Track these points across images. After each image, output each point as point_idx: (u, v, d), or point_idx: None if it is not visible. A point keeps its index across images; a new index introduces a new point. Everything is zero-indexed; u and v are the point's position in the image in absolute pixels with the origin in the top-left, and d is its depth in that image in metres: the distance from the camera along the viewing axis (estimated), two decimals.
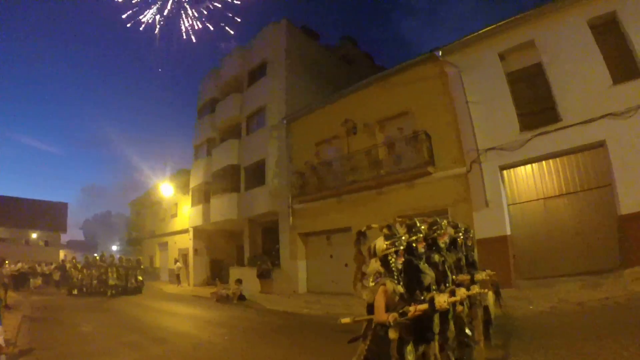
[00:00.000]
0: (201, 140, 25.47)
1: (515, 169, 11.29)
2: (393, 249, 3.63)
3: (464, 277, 4.93)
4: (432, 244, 4.47)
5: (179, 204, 27.47)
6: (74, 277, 19.82)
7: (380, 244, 3.74)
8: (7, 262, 17.05)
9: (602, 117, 9.65)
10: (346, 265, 14.59)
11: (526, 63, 11.39)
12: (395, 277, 3.55)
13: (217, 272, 23.52)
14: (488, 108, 11.48)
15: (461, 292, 3.82)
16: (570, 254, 10.05)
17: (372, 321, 3.51)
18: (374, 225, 4.35)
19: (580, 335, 5.64)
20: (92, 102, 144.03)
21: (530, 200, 10.91)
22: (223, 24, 49.41)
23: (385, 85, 14.16)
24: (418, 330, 3.45)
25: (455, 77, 12.11)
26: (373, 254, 3.77)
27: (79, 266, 20.32)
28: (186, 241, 25.31)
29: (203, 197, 23.08)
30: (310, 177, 15.45)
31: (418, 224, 4.18)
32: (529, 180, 11.15)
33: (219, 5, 36.29)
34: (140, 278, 20.12)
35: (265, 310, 12.60)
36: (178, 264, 24.75)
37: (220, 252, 24.42)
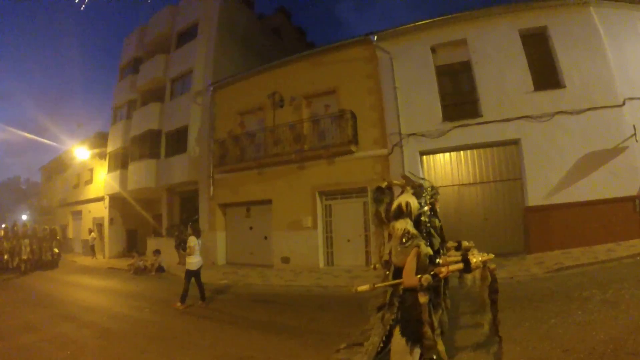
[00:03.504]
0: (121, 101, 23.56)
1: (435, 155, 12.06)
2: (427, 208, 3.42)
3: (452, 243, 4.73)
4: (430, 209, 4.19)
5: (94, 170, 25.37)
6: None
7: (414, 202, 3.43)
8: None
9: (520, 118, 10.77)
10: (265, 237, 14.51)
11: (455, 59, 12.17)
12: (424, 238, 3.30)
13: (134, 244, 22.44)
14: (414, 96, 12.06)
15: (480, 256, 3.68)
16: (478, 238, 10.76)
17: (397, 287, 3.27)
18: (395, 182, 4.27)
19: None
20: None
21: (445, 186, 11.55)
22: None
23: (315, 62, 14.10)
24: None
25: (386, 62, 12.49)
26: (404, 213, 3.36)
27: None
28: (101, 210, 23.57)
29: (120, 162, 21.50)
30: (233, 148, 14.95)
31: (428, 186, 4.04)
32: (446, 167, 11.94)
33: None
34: (56, 250, 18.46)
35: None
36: (93, 234, 22.96)
37: (137, 222, 22.96)
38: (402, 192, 3.77)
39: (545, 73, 11.10)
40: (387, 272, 3.87)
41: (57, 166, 31.75)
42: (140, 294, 10.59)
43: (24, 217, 58.82)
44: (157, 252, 15.28)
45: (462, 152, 11.68)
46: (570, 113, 10.46)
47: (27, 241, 17.01)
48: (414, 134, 11.79)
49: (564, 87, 10.73)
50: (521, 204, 10.74)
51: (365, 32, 12.99)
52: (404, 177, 4.11)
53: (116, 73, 25.77)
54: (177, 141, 17.98)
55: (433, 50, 12.18)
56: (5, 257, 16.68)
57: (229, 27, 19.04)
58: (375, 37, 12.56)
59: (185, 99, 18.23)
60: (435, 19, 12.15)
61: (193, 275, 8.42)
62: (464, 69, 12.02)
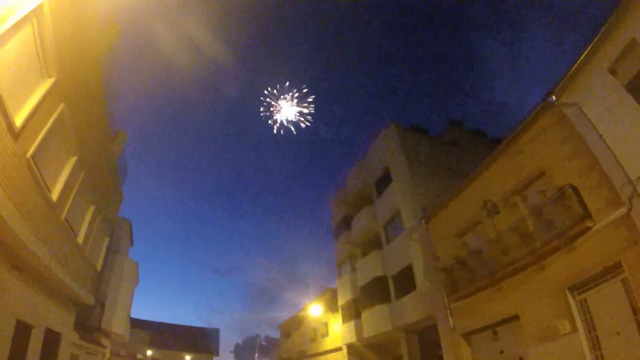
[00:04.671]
0: (342, 257, 26.68)
1: None
2: None
3: None
4: None
5: (328, 323, 27.85)
6: None
7: None
8: None
9: None
10: (520, 359, 12.83)
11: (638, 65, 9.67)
12: None
13: None
14: (623, 131, 9.87)
15: None
16: None
17: None
18: None
19: None
20: (230, 238, 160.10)
21: None
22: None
23: (510, 154, 13.56)
24: None
25: (578, 115, 10.96)
26: None
27: None
28: (340, 359, 24.92)
29: (353, 313, 23.13)
30: (461, 272, 14.58)
31: None
32: None
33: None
34: None
35: None
36: None
37: None
38: None
39: None
40: None
41: (294, 323, 36.14)
42: None
43: None
44: None
45: None
46: None
47: None
48: None
49: None
50: None
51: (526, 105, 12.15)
52: None
53: (330, 232, 29.80)
54: (405, 281, 18.62)
55: (612, 71, 10.02)
56: None
57: (416, 160, 20.63)
58: (554, 97, 11.44)
59: (401, 239, 19.52)
60: (593, 41, 10.09)
61: None
62: None
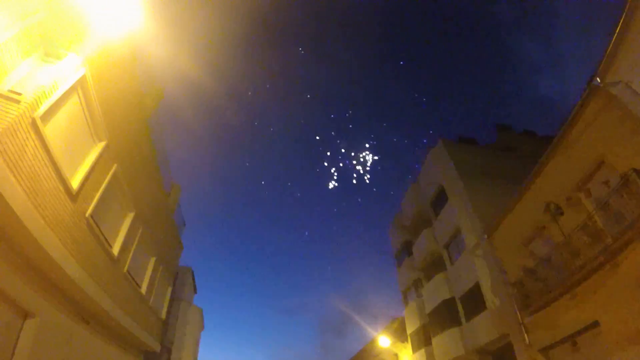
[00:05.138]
0: (407, 284, 25.92)
1: None
2: None
3: None
4: None
5: (398, 355, 26.63)
6: None
7: None
8: None
9: None
10: None
11: None
12: None
13: None
14: None
15: None
16: None
17: None
18: None
19: None
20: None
21: None
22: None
23: (565, 149, 12.73)
24: None
25: (627, 91, 10.19)
26: None
27: None
28: None
29: (423, 340, 22.04)
30: (532, 283, 13.49)
31: None
32: None
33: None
34: None
35: None
36: None
37: None
38: None
39: None
40: None
41: (364, 355, 34.65)
42: None
43: None
44: None
45: None
46: None
47: None
48: None
49: None
50: None
51: (583, 82, 11.16)
52: None
53: (392, 260, 29.10)
54: (473, 301, 17.64)
55: None
56: None
57: (469, 173, 19.92)
58: (598, 79, 10.72)
59: (464, 258, 18.68)
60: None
61: None
62: None
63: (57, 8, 6.74)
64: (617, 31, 9.91)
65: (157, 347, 14.24)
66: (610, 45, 10.24)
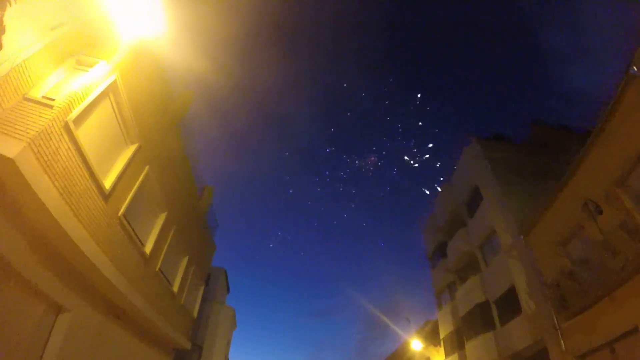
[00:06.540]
0: (440, 287, 25.34)
1: None
2: None
3: None
4: None
5: (431, 357, 26.06)
6: None
7: None
8: None
9: None
10: None
11: None
12: None
13: None
14: None
15: None
16: None
17: None
18: None
19: None
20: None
21: None
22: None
23: (603, 142, 11.99)
24: None
25: None
26: None
27: None
28: None
29: (456, 344, 21.44)
30: (570, 285, 12.81)
31: None
32: None
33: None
34: None
35: None
36: None
37: None
38: None
39: None
40: None
41: (395, 358, 34.10)
42: None
43: None
44: None
45: None
46: None
47: None
48: None
49: None
50: None
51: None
52: None
53: (426, 262, 28.57)
54: (508, 304, 16.92)
55: None
56: None
57: (504, 171, 19.15)
58: (635, 68, 10.05)
59: (499, 259, 18.01)
60: None
61: None
62: None
63: (86, 19, 7.18)
64: None
65: (187, 346, 14.66)
66: None
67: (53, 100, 6.07)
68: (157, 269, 11.19)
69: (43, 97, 6.12)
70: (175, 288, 13.06)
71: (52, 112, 5.86)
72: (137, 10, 7.70)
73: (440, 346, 23.83)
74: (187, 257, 14.16)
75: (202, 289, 17.49)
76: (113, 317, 9.31)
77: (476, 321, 19.23)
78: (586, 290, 12.09)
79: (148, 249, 10.37)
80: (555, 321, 13.72)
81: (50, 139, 5.86)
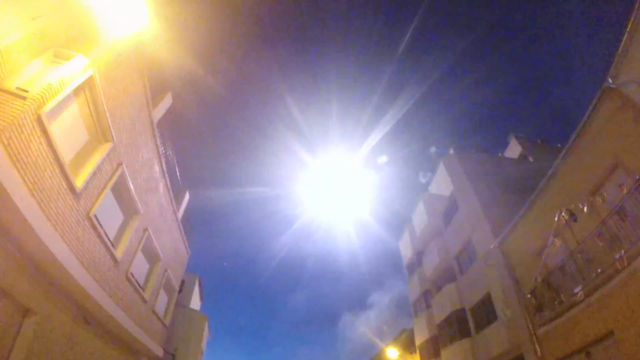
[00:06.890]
0: (417, 295, 25.53)
1: None
2: None
3: None
4: None
5: None
6: None
7: None
8: None
9: None
10: None
11: None
12: None
13: None
14: None
15: None
16: None
17: None
18: None
19: None
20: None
21: None
22: None
23: (579, 153, 12.43)
24: None
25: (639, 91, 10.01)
26: None
27: None
28: None
29: (433, 351, 21.58)
30: (544, 292, 13.16)
31: None
32: None
33: None
34: None
35: None
36: None
37: None
38: None
39: None
40: None
41: None
42: None
43: None
44: None
45: None
46: None
47: None
48: None
49: None
50: None
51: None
52: None
53: (403, 271, 28.75)
54: (484, 312, 17.23)
55: None
56: None
57: (481, 183, 19.47)
58: (610, 79, 10.43)
59: (476, 268, 18.30)
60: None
61: None
62: None
63: (67, 10, 6.92)
64: (627, 30, 9.73)
65: (159, 353, 14.19)
66: (622, 43, 9.99)
67: (26, 91, 5.82)
68: (128, 273, 10.81)
69: (17, 87, 5.84)
70: (148, 294, 12.62)
71: (24, 104, 5.58)
72: (120, 6, 7.53)
73: (416, 354, 23.91)
74: (160, 262, 13.76)
75: (175, 295, 17.00)
76: (82, 321, 8.91)
77: (452, 328, 19.43)
78: (560, 297, 12.39)
79: (120, 251, 9.98)
80: (531, 327, 13.97)
81: (22, 131, 5.57)
